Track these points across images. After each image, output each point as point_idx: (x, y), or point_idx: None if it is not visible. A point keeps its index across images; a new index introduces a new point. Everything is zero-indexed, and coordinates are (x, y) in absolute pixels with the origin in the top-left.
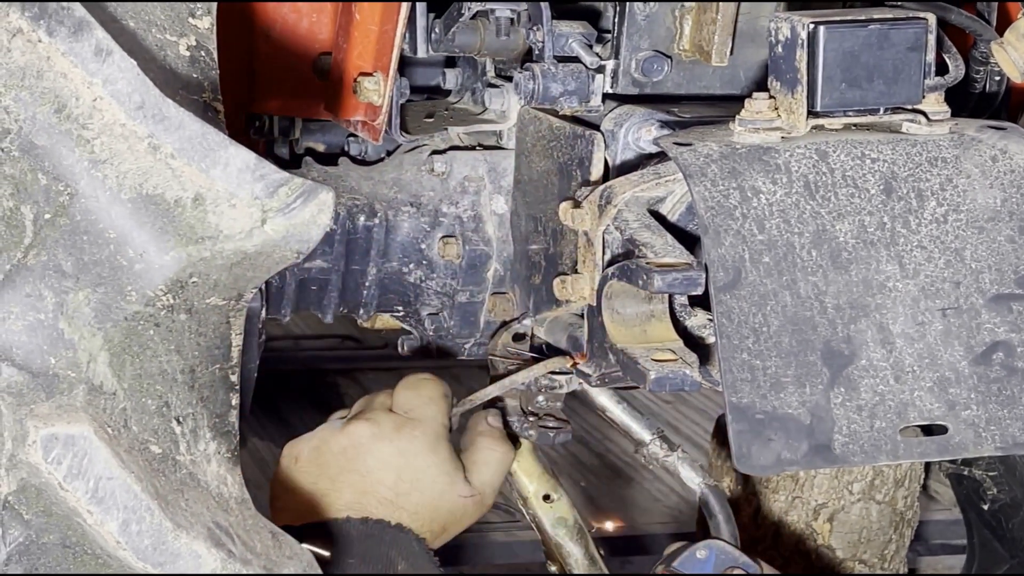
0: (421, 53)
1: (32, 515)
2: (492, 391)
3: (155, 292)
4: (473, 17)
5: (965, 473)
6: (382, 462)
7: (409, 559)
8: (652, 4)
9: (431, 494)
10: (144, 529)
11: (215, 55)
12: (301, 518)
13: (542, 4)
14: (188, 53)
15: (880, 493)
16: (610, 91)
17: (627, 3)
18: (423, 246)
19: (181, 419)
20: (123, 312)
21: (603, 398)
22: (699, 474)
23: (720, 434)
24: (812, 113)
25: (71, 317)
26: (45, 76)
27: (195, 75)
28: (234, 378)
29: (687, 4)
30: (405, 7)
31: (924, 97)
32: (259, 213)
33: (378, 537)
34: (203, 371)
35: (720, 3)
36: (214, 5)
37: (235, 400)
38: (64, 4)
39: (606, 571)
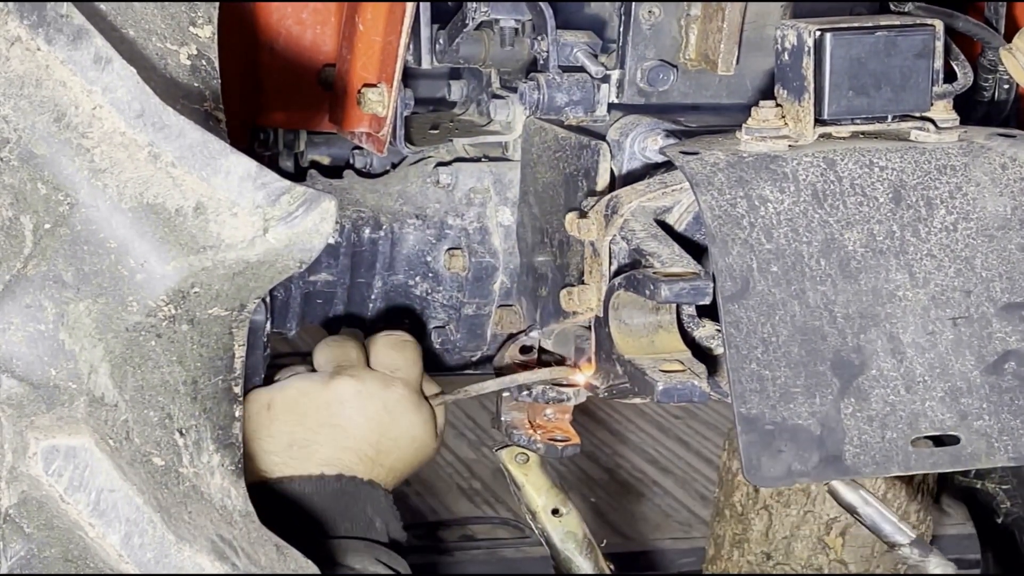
0: (425, 64)
1: (33, 528)
2: (489, 386)
3: (156, 302)
4: (477, 28)
5: (978, 487)
6: (368, 419)
7: (382, 516)
8: (658, 13)
9: (412, 451)
10: (146, 542)
11: (216, 64)
12: (273, 468)
13: (546, 14)
14: (189, 62)
15: (892, 507)
16: (616, 101)
17: (632, 13)
18: (429, 258)
19: (184, 431)
20: (124, 323)
21: (852, 496)
22: None
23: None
24: (819, 121)
25: (72, 328)
26: (44, 85)
27: (196, 84)
28: (237, 390)
29: (692, 13)
30: (408, 18)
31: (932, 104)
32: (261, 222)
33: (353, 494)
34: (206, 383)
35: (726, 12)
36: (215, 14)
37: (239, 412)
38: (63, 12)
39: None
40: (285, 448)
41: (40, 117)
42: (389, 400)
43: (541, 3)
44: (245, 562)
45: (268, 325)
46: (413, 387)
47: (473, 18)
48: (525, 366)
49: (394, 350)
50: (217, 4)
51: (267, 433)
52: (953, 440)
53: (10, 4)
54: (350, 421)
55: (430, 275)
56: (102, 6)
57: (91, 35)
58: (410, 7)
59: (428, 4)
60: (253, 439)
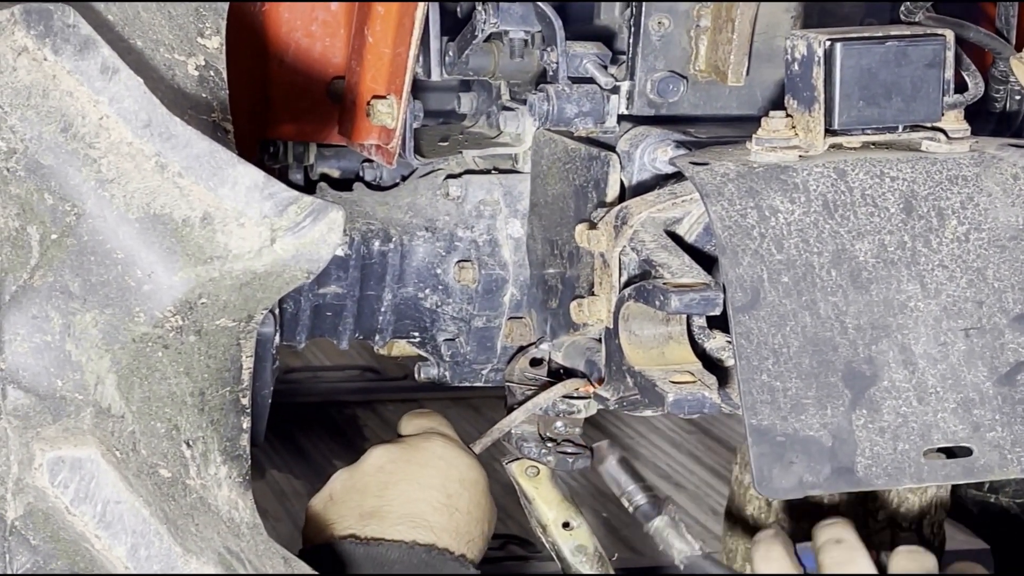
0: (435, 76)
1: (39, 540)
2: (516, 417)
3: (164, 313)
4: (487, 40)
5: (991, 500)
6: (424, 466)
7: None
8: (667, 24)
9: (480, 492)
10: (153, 554)
11: (224, 75)
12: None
13: (556, 25)
14: (197, 73)
15: (906, 521)
16: (625, 112)
17: (642, 24)
18: (439, 271)
19: (191, 442)
20: (131, 334)
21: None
22: (686, 543)
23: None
24: (830, 131)
25: (78, 339)
26: (51, 95)
27: (204, 95)
28: (245, 401)
29: (702, 24)
30: (418, 29)
31: (943, 115)
32: (268, 232)
33: (439, 567)
34: (213, 394)
35: (735, 23)
36: (223, 25)
37: (246, 424)
38: (70, 22)
39: None
40: (358, 520)
41: (47, 127)
42: (435, 448)
43: (551, 14)
44: (252, 574)
45: (277, 337)
46: (452, 437)
47: (483, 30)
48: (535, 382)
49: (419, 417)
50: (225, 15)
51: (337, 516)
52: (966, 452)
53: (17, 14)
54: (409, 475)
55: (440, 287)
56: (110, 16)
57: (98, 45)
58: (419, 18)
59: (437, 17)
60: (326, 527)
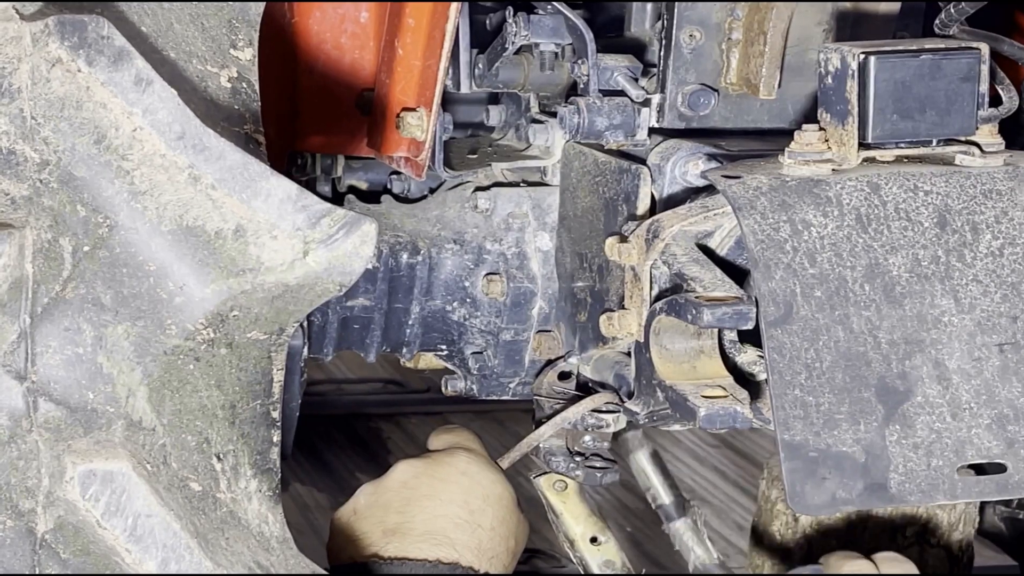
0: (465, 89)
1: (69, 554)
2: (545, 431)
3: (195, 326)
4: (517, 52)
5: (1020, 516)
6: (446, 482)
7: None
8: (699, 37)
9: (505, 509)
10: (184, 568)
11: (256, 87)
12: (376, 554)
13: (587, 37)
14: (229, 84)
15: (935, 537)
16: (656, 125)
17: (673, 37)
18: (467, 284)
19: (222, 456)
20: (163, 346)
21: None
22: (705, 550)
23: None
24: (863, 145)
25: (110, 351)
26: (84, 106)
27: (236, 107)
28: (275, 415)
29: (734, 37)
30: (448, 42)
31: (977, 128)
32: (301, 244)
33: None
34: (244, 407)
35: (767, 36)
36: (256, 37)
37: (276, 437)
38: (104, 34)
39: None
40: (380, 537)
41: (80, 139)
42: (459, 463)
43: (581, 27)
44: None
45: (305, 350)
46: (478, 453)
47: (513, 42)
48: (564, 396)
49: (447, 433)
50: (258, 27)
51: (360, 531)
52: (999, 468)
53: (51, 25)
54: (432, 491)
55: (468, 300)
56: (143, 28)
57: (132, 57)
58: (450, 30)
59: (467, 29)
60: (350, 542)
